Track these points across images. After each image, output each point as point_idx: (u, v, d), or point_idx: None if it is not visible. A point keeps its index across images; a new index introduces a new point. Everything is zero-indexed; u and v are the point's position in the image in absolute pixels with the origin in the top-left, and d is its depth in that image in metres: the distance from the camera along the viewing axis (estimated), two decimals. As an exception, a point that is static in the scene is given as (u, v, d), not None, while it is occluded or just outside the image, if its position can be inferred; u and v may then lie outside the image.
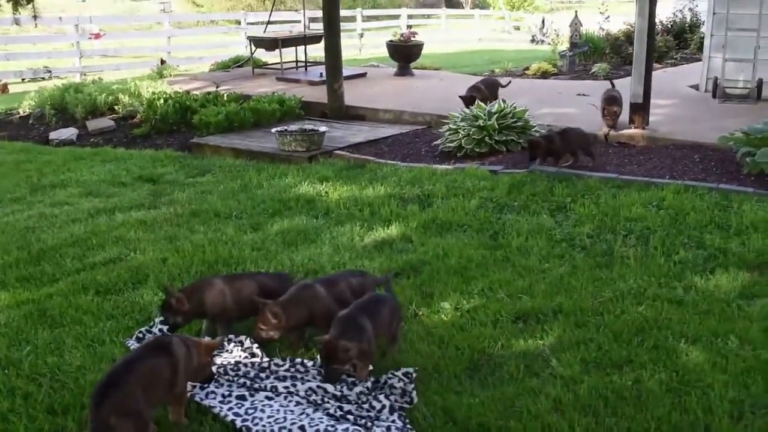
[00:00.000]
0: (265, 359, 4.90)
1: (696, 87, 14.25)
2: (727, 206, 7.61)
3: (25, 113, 15.35)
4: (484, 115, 10.31)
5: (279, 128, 11.00)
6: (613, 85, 11.35)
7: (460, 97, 11.96)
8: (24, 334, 5.50)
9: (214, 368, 4.66)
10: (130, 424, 3.86)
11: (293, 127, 11.20)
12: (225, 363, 4.88)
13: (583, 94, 13.71)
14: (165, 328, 5.24)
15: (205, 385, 4.59)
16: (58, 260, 6.99)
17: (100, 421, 3.77)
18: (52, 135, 13.39)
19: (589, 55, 19.41)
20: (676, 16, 21.78)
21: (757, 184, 8.37)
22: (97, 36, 24.27)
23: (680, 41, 20.73)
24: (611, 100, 10.70)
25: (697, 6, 21.22)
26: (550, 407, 4.38)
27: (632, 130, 10.53)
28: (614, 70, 17.41)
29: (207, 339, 4.79)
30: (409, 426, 4.22)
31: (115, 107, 14.41)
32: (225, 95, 13.87)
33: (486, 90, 12.41)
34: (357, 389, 4.50)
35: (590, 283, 6.05)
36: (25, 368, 4.98)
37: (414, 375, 4.59)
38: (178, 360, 4.22)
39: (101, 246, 7.32)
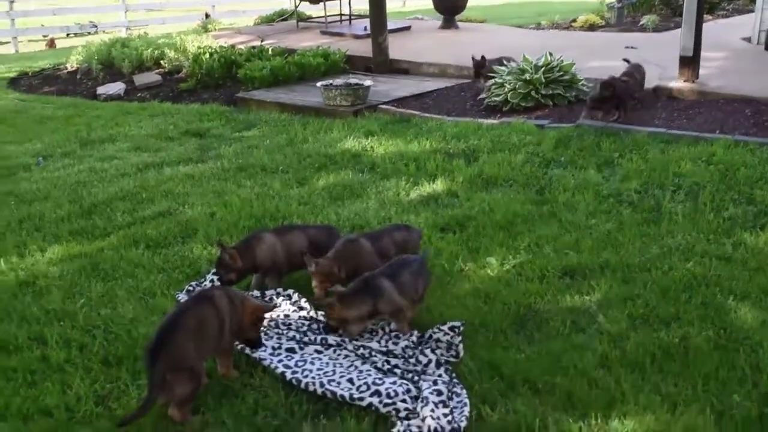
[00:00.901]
0: (313, 312, 4.97)
1: (748, 39, 13.91)
2: (779, 161, 7.49)
3: (73, 68, 15.52)
4: (531, 68, 10.20)
5: (324, 82, 10.99)
6: (627, 63, 10.19)
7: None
8: (78, 287, 5.63)
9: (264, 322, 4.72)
10: (185, 378, 3.96)
11: (338, 81, 11.18)
12: (275, 316, 4.95)
13: (632, 47, 13.48)
14: (215, 281, 5.32)
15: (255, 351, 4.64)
16: (108, 214, 7.12)
17: (157, 378, 3.85)
18: (100, 90, 13.53)
19: (637, 6, 19.05)
20: (729, -35, 21.27)
21: (809, 138, 8.21)
22: (143, -11, 24.36)
23: (732, -8, 20.27)
24: (596, 101, 9.23)
25: (751, -45, 20.70)
26: (596, 363, 4.39)
27: (681, 84, 10.35)
28: (664, 22, 17.09)
29: (255, 299, 4.83)
30: (456, 380, 4.26)
31: (161, 62, 14.51)
32: (270, 49, 13.88)
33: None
34: (402, 343, 4.56)
35: (638, 239, 6.02)
36: (79, 320, 5.11)
37: (461, 328, 4.63)
38: (222, 312, 4.28)
39: (150, 200, 7.43)
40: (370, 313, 4.67)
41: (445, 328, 4.62)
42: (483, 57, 10.97)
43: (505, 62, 10.77)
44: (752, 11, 14.41)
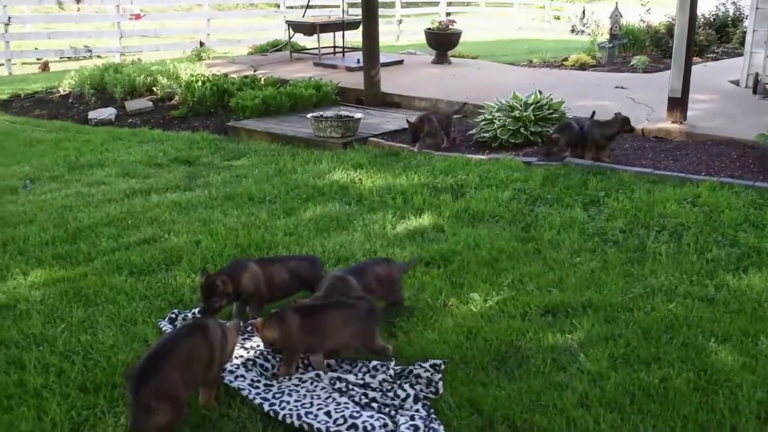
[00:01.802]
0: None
1: (736, 82, 14.06)
2: (763, 204, 7.54)
3: (65, 92, 15.52)
4: (521, 105, 10.27)
5: (315, 114, 11.02)
6: (592, 116, 9.77)
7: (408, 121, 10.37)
8: (59, 312, 5.60)
9: (246, 353, 4.72)
10: (167, 407, 3.93)
11: (329, 112, 11.23)
12: (256, 348, 4.94)
13: (621, 87, 13.61)
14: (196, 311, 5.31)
15: (235, 369, 4.64)
16: (93, 239, 7.10)
17: (141, 405, 3.85)
18: (91, 114, 13.54)
19: (628, 47, 19.23)
20: (719, 9, 21.49)
21: (794, 183, 8.27)
22: (138, 16, 24.43)
23: (722, 35, 20.47)
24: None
25: (740, 0, 20.93)
26: (576, 402, 4.38)
27: (669, 125, 10.45)
28: (654, 63, 17.24)
29: (234, 321, 4.88)
30: (433, 416, 4.25)
31: (154, 88, 14.54)
32: (262, 79, 13.94)
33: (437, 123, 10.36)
34: (380, 377, 4.55)
35: (621, 278, 6.04)
36: (59, 345, 5.08)
37: (441, 366, 4.62)
38: (214, 343, 4.29)
39: (136, 227, 7.41)
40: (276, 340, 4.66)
41: (426, 365, 4.60)
42: (421, 119, 10.28)
43: (432, 119, 10.38)
44: (741, 55, 14.57)
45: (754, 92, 12.83)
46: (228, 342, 4.42)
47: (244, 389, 4.45)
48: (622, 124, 9.17)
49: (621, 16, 18.61)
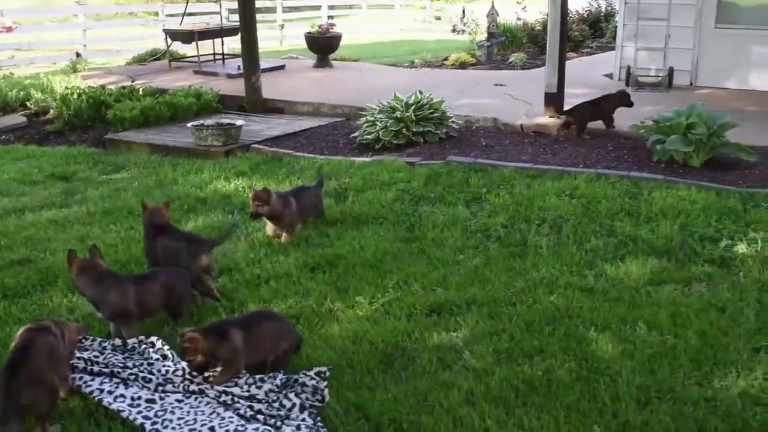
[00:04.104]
0: (177, 360, 4.83)
1: (610, 76, 14.51)
2: (638, 194, 7.77)
3: (-68, 110, 14.86)
4: (402, 106, 10.32)
5: (195, 123, 10.84)
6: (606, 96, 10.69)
7: None
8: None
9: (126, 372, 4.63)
10: (44, 391, 4.07)
11: (210, 121, 11.05)
12: (137, 364, 4.81)
13: (500, 84, 13.85)
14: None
15: (114, 389, 4.53)
16: (-35, 264, 6.79)
17: (12, 398, 3.94)
18: (-39, 132, 13.00)
19: (506, 45, 19.56)
20: (591, 5, 22.14)
21: (666, 171, 8.56)
22: (9, 29, 23.58)
23: (596, 30, 21.06)
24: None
25: (611, -5, 21.61)
26: (461, 400, 4.41)
27: (547, 120, 10.67)
28: (531, 59, 17.62)
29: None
30: (320, 424, 4.21)
31: (27, 103, 14.05)
32: (140, 89, 13.63)
33: None
34: (266, 387, 4.48)
35: (504, 273, 6.12)
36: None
37: (327, 374, 4.58)
38: (58, 338, 4.42)
39: (9, 247, 7.13)
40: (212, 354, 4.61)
41: (311, 373, 4.55)
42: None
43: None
44: (614, 49, 15.02)
45: (627, 84, 13.24)
46: (67, 338, 4.55)
47: (123, 410, 4.31)
48: (620, 97, 10.34)
49: (498, 15, 18.94)
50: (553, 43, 10.50)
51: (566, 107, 10.72)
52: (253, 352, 4.71)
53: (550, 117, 10.65)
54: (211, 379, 4.62)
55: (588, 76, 14.29)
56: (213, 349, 4.56)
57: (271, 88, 13.60)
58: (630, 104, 10.26)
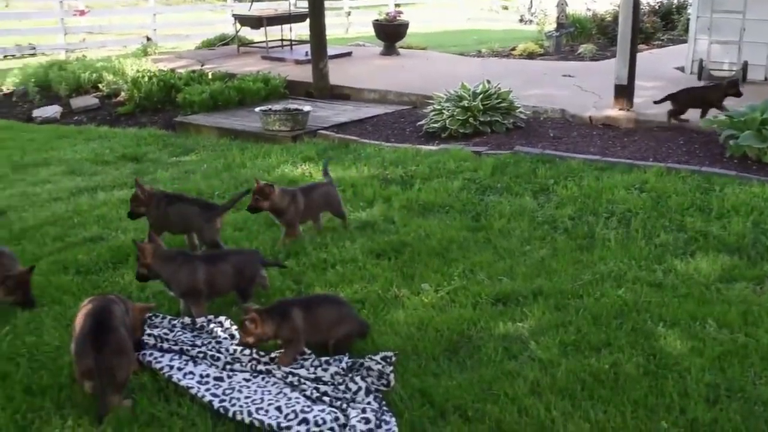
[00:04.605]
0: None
1: (682, 69, 14.23)
2: (709, 189, 7.63)
3: (9, 90, 15.24)
4: (469, 95, 10.29)
5: (263, 108, 10.96)
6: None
7: None
8: (3, 314, 5.47)
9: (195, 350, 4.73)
10: (126, 362, 4.24)
11: (277, 106, 11.16)
12: (206, 342, 4.89)
13: (569, 75, 13.70)
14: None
15: (183, 365, 4.62)
16: (39, 239, 6.96)
17: (102, 364, 4.11)
18: (36, 113, 13.31)
19: (575, 36, 19.36)
20: (663, -3, 21.77)
21: (739, 167, 8.39)
22: (82, 13, 24.00)
23: (667, 22, 20.70)
24: None
25: (684, -13, 21.20)
26: (527, 390, 4.39)
27: (616, 112, 10.53)
28: (601, 51, 17.41)
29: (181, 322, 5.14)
30: (385, 408, 4.23)
31: (99, 85, 14.35)
32: (210, 74, 13.81)
33: None
34: (332, 370, 4.52)
35: (571, 265, 6.07)
36: (3, 348, 4.98)
37: (393, 359, 4.59)
38: (122, 310, 4.56)
39: (82, 225, 7.29)
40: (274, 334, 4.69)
41: (377, 357, 4.57)
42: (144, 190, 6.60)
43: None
44: (686, 41, 14.74)
45: (699, 78, 12.99)
46: (130, 314, 4.66)
47: (192, 387, 4.39)
48: (729, 87, 10.11)
49: (567, 5, 18.72)
50: (625, 34, 10.35)
51: (636, 99, 10.58)
52: (312, 333, 4.78)
53: (620, 109, 10.50)
54: (276, 360, 4.68)
55: (659, 69, 14.05)
56: (274, 328, 4.65)
57: (338, 74, 13.66)
58: (738, 94, 10.02)
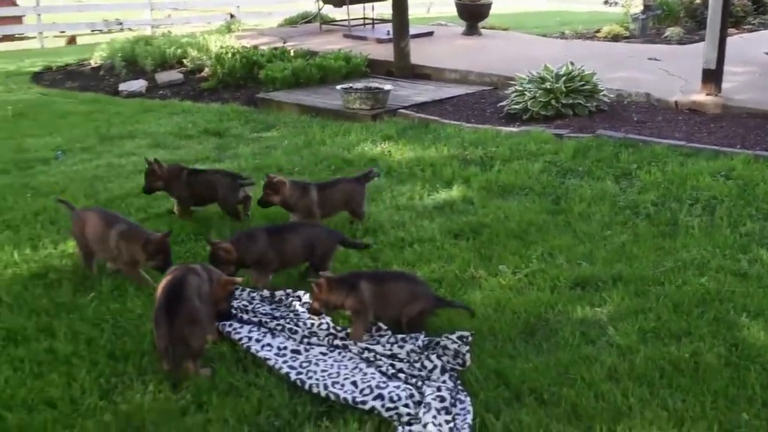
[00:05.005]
0: (323, 315, 4.95)
1: (773, 54, 13.81)
2: (799, 178, 7.41)
3: (96, 64, 15.61)
4: (552, 77, 10.16)
5: (344, 86, 10.99)
6: None
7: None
8: (89, 281, 5.65)
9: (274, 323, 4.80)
10: (199, 331, 4.35)
11: (358, 84, 11.19)
12: (284, 315, 4.96)
13: (655, 59, 13.41)
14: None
15: (262, 337, 4.70)
16: (124, 210, 7.11)
17: (177, 333, 4.22)
18: (122, 86, 13.60)
19: (662, 18, 18.90)
20: (756, -20, 21.09)
21: (831, 156, 8.12)
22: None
23: (759, 6, 20.03)
24: None
25: (778, -30, 20.51)
26: (604, 376, 4.34)
27: (703, 97, 10.28)
28: (688, 34, 16.97)
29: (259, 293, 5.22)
30: (460, 387, 4.24)
31: (184, 60, 14.58)
32: (292, 51, 13.90)
33: None
34: (407, 347, 4.54)
35: (652, 251, 5.97)
36: (88, 314, 5.14)
37: (469, 338, 4.59)
38: (204, 280, 4.61)
39: (166, 197, 7.42)
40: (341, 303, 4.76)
41: (453, 336, 4.58)
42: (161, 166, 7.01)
43: None
44: (778, 26, 14.30)
45: (791, 64, 12.59)
46: (213, 282, 4.68)
47: (269, 359, 4.47)
48: None
49: (655, -13, 18.32)
50: (715, 17, 10.08)
51: (724, 84, 10.31)
52: (382, 307, 4.82)
53: (708, 94, 10.25)
54: (348, 334, 4.73)
55: (749, 54, 13.62)
56: (341, 297, 4.72)
57: (419, 54, 13.61)
58: None
